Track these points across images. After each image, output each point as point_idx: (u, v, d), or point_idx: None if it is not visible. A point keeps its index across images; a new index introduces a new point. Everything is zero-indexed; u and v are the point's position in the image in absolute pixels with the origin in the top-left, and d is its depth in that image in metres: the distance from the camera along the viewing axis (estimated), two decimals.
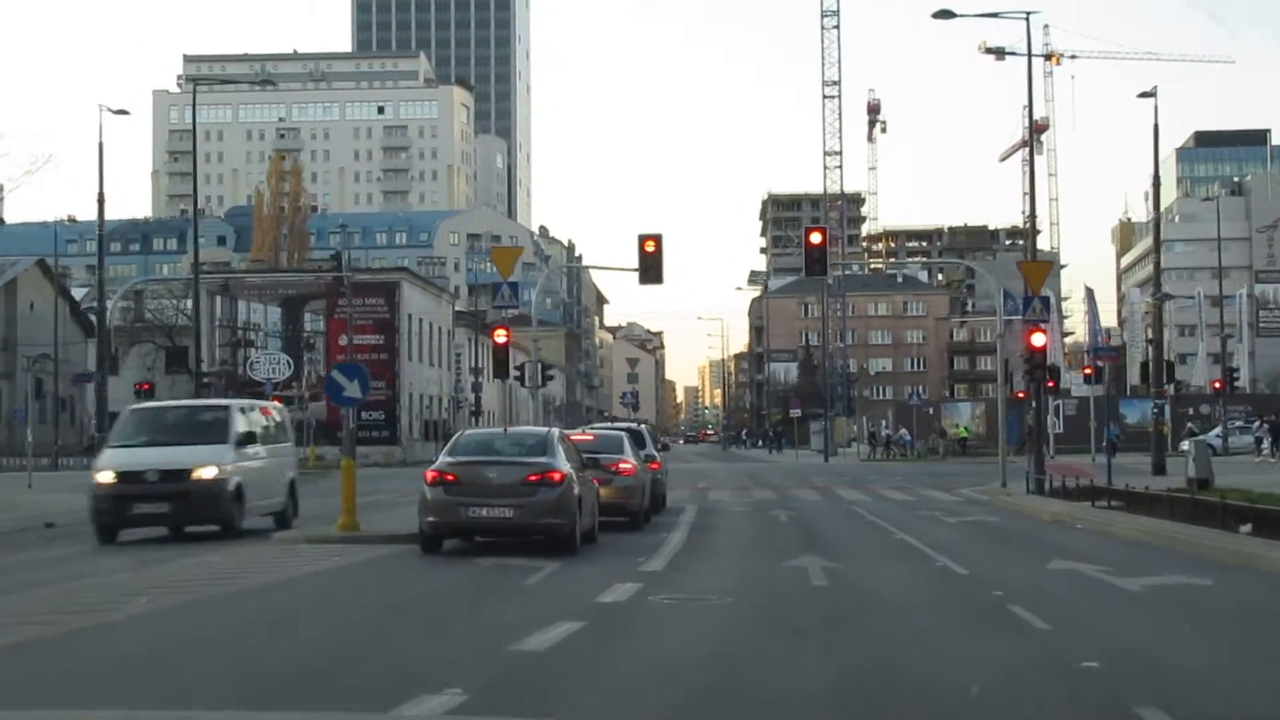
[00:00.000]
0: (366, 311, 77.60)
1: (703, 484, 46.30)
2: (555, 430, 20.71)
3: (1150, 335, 46.44)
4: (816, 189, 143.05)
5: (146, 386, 54.34)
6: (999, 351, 41.81)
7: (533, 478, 18.74)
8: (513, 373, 44.20)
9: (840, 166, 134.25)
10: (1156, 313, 45.63)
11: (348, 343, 72.61)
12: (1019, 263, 35.53)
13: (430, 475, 18.94)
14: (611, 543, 21.09)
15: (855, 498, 37.11)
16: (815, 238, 38.66)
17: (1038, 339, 35.36)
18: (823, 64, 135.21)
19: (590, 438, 25.65)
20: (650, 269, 39.94)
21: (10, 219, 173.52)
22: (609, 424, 35.28)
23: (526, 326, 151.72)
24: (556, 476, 18.82)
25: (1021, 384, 67.90)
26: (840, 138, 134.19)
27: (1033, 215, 36.11)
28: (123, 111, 47.01)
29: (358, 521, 21.41)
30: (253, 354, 77.98)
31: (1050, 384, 68.50)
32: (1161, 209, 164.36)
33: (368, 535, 20.97)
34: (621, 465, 24.15)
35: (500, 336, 35.68)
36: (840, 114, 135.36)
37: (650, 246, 40.08)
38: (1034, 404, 37.28)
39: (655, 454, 30.04)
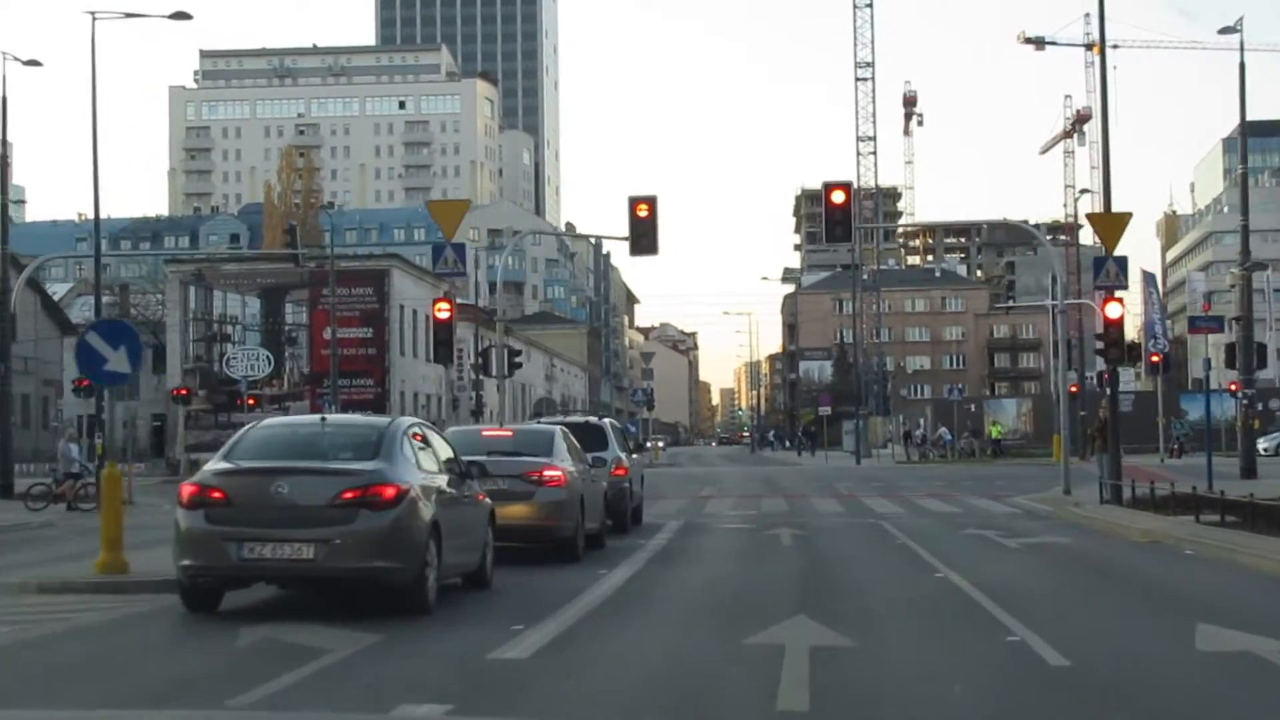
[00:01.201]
0: (352, 302, 70.68)
1: (706, 491, 39.16)
2: (404, 420, 13.32)
3: (1238, 313, 38.68)
4: (852, 183, 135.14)
5: (85, 383, 47.64)
6: (1058, 329, 34.57)
7: (349, 494, 11.61)
8: (472, 358, 37.32)
9: (874, 153, 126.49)
10: (1246, 284, 38.13)
11: (331, 336, 66.03)
12: (1088, 214, 28.24)
13: (186, 491, 11.80)
14: (511, 587, 14.09)
15: (886, 510, 29.88)
16: (837, 196, 32.17)
17: (1113, 310, 28.10)
18: (855, 44, 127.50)
19: (506, 434, 18.44)
20: (642, 237, 33.59)
21: (31, 217, 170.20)
22: (560, 416, 27.73)
23: (543, 324, 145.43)
24: (388, 493, 11.59)
25: (1075, 377, 60.56)
26: (874, 122, 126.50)
27: (1106, 155, 28.69)
28: (34, 62, 40.23)
29: (125, 560, 14.29)
30: (229, 349, 70.91)
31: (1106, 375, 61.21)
32: (1209, 200, 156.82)
33: (133, 580, 13.87)
34: (546, 473, 16.95)
35: (442, 311, 28.53)
36: (874, 98, 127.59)
37: (643, 211, 33.63)
38: (1108, 391, 29.77)
39: (620, 457, 22.89)
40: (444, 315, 28.40)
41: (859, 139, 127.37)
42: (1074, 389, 71.25)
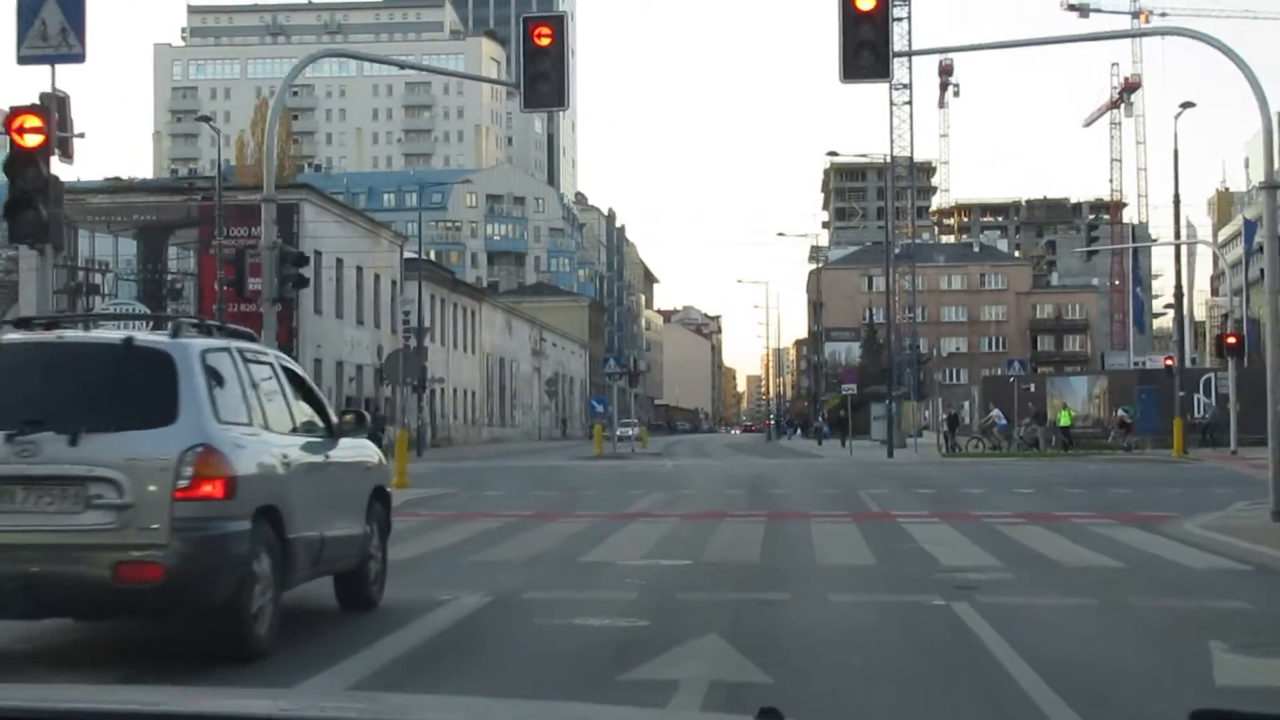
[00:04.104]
0: (253, 245, 55.55)
1: (641, 504, 23.77)
2: None
3: None
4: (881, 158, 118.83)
5: None
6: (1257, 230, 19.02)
7: None
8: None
9: (910, 102, 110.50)
10: None
11: (219, 288, 51.14)
12: None
13: None
14: None
15: (961, 559, 14.52)
16: (864, 3, 17.94)
17: None
18: None
19: None
20: (541, 79, 19.23)
21: None
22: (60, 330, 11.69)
23: (538, 295, 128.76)
24: None
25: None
26: (909, 68, 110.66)
27: None
28: None
29: None
30: (98, 303, 56.07)
31: (1233, 340, 45.11)
32: (1264, 176, 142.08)
33: None
34: None
35: (28, 132, 13.32)
36: (910, 41, 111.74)
37: (543, 38, 19.15)
38: None
39: (212, 441, 7.75)
40: (31, 141, 13.22)
41: (893, 87, 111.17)
42: (1169, 361, 55.94)
